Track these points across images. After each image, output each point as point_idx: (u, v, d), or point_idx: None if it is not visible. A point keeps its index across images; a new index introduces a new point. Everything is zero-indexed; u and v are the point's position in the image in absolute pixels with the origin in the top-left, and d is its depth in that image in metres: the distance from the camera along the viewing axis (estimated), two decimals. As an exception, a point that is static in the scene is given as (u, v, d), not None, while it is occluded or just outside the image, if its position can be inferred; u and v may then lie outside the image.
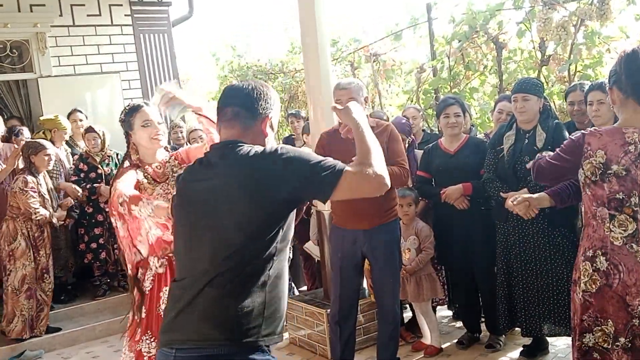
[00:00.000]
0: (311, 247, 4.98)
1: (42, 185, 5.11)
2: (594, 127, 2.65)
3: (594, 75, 5.16)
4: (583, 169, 2.47)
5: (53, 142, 5.66)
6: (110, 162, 5.79)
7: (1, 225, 5.04)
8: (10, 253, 4.95)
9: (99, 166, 5.67)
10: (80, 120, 6.00)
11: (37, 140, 5.21)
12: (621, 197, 2.38)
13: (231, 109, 1.96)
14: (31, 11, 6.66)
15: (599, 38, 5.16)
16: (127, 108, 3.03)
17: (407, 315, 4.66)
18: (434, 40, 6.59)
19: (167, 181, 2.98)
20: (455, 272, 4.39)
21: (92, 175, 5.65)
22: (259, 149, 1.87)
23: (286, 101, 9.62)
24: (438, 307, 4.64)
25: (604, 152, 2.41)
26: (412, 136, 4.57)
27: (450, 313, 4.94)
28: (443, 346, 4.29)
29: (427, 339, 4.28)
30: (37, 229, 5.04)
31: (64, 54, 6.87)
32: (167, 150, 3.15)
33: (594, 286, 2.43)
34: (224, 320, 1.81)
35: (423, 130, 5.24)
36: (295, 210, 1.95)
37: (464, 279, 4.28)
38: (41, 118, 5.81)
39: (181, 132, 6.20)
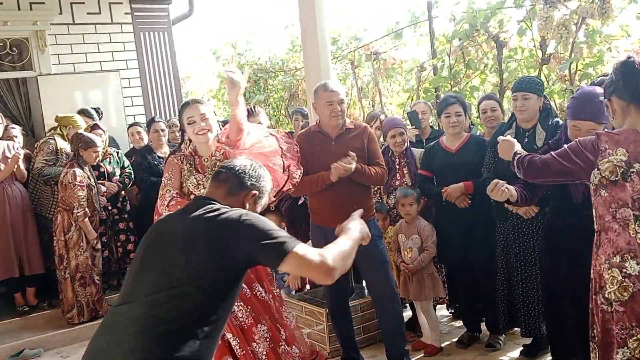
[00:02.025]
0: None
1: (90, 177, 5.23)
2: (606, 130, 2.59)
3: (594, 74, 5.13)
4: (600, 169, 2.41)
5: (68, 139, 5.61)
6: (112, 161, 5.78)
7: (56, 216, 5.22)
8: (65, 243, 5.15)
9: (101, 164, 5.66)
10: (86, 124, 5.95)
11: (89, 135, 5.28)
12: None
13: (225, 174, 2.24)
14: (31, 9, 6.65)
15: (600, 37, 5.14)
16: (181, 105, 3.37)
17: (407, 314, 4.65)
18: (435, 38, 6.57)
19: (205, 173, 3.24)
20: (455, 271, 4.38)
21: (94, 173, 5.62)
22: (228, 210, 2.06)
23: (286, 99, 9.60)
24: (437, 306, 4.63)
25: (625, 150, 2.36)
26: (404, 127, 4.51)
27: (450, 312, 4.92)
28: (443, 345, 4.29)
29: (427, 338, 4.27)
30: (88, 220, 5.22)
31: (64, 52, 6.86)
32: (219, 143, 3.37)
33: (625, 294, 2.34)
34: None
35: (431, 127, 5.21)
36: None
37: (464, 278, 4.27)
38: (59, 114, 5.79)
39: (179, 132, 6.15)
